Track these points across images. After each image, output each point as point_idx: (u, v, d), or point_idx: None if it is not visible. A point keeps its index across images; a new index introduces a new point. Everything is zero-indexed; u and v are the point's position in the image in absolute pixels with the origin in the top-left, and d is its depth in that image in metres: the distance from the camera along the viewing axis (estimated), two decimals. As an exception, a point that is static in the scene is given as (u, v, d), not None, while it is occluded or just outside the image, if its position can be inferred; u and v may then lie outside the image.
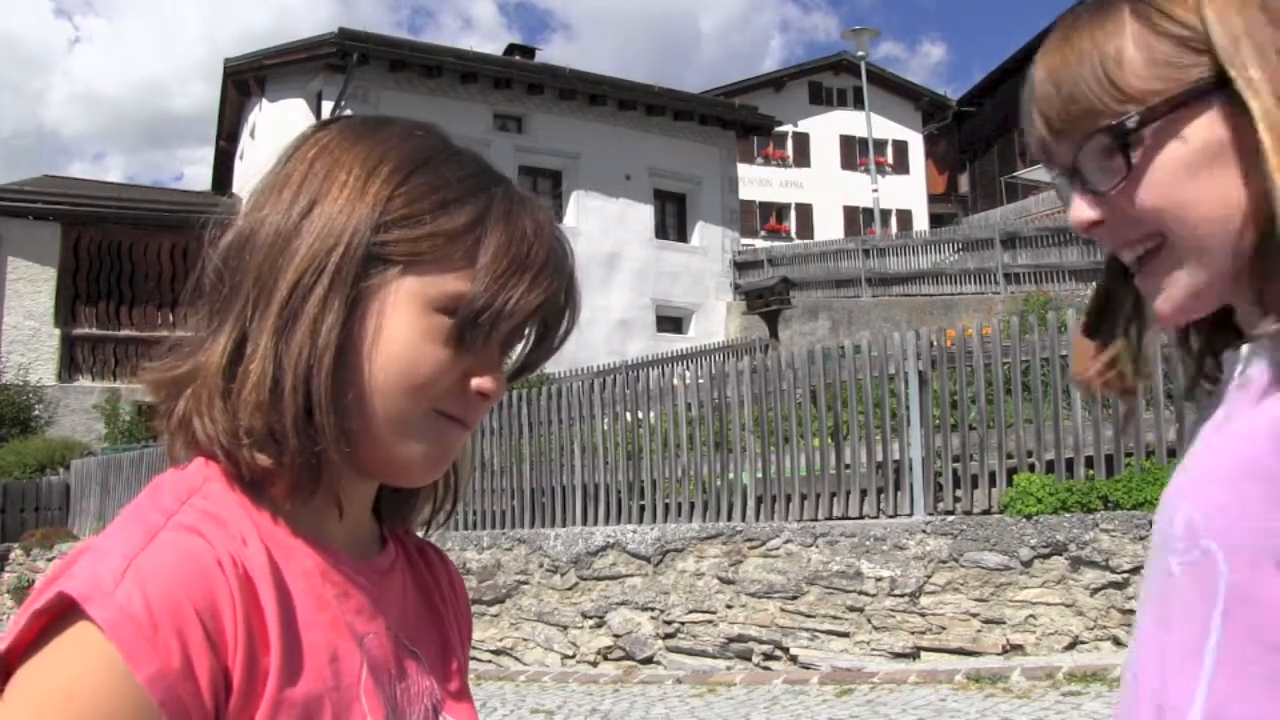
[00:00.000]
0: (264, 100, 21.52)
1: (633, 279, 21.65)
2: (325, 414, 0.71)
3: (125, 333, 19.42)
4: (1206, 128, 0.73)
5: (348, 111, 16.21)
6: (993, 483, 6.69)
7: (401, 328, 0.73)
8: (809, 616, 6.91)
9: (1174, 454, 6.19)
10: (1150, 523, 0.89)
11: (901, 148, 37.11)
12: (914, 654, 6.51)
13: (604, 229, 21.49)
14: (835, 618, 6.81)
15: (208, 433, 0.72)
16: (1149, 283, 0.78)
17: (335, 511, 0.76)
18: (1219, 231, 0.74)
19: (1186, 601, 0.74)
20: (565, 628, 8.04)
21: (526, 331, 0.80)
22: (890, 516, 6.91)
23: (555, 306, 0.80)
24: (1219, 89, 0.72)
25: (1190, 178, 0.74)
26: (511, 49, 25.63)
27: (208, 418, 0.72)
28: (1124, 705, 0.80)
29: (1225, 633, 0.71)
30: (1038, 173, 28.17)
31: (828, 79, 36.82)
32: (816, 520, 7.15)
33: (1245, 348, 0.79)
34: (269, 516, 0.73)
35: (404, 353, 0.73)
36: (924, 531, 6.58)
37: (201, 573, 0.66)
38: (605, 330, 20.87)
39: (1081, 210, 0.78)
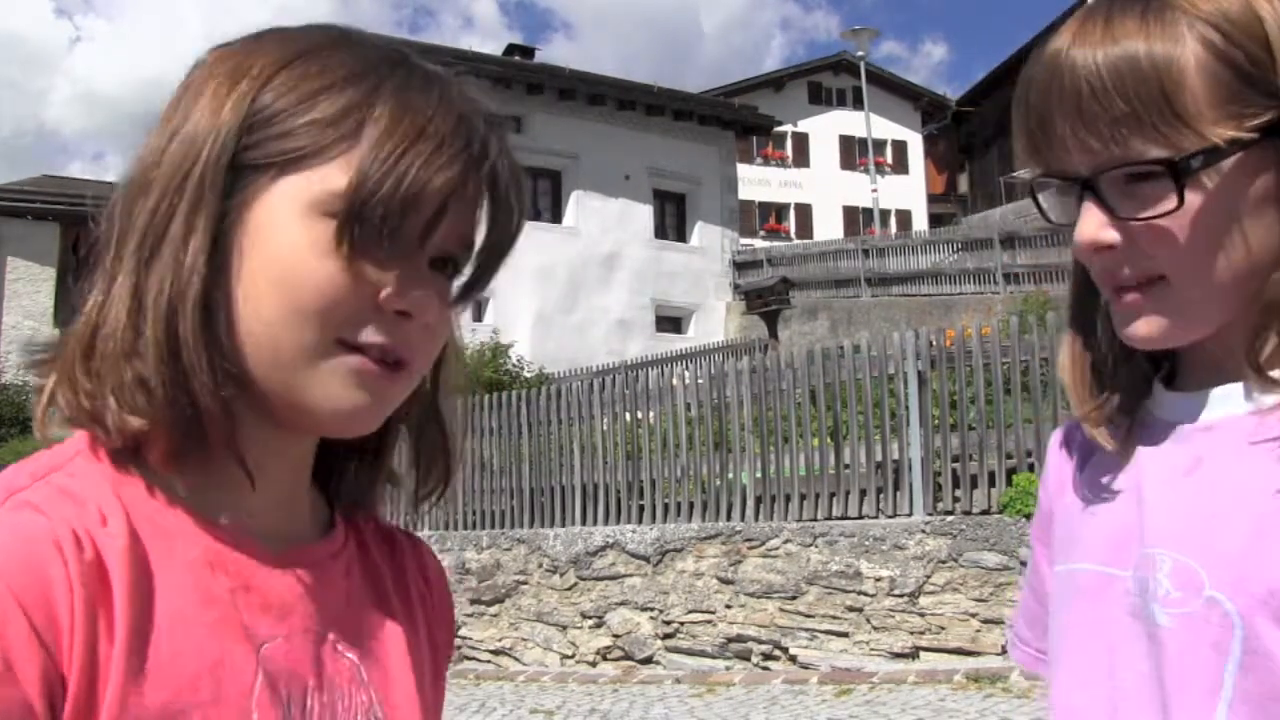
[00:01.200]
0: (263, 100, 21.50)
1: (632, 279, 21.65)
2: (194, 353, 0.60)
3: (124, 332, 19.40)
4: (1263, 178, 0.70)
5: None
6: (992, 483, 6.69)
7: (282, 241, 0.61)
8: (808, 616, 6.91)
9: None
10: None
11: (901, 148, 37.11)
12: (913, 654, 6.52)
13: (603, 229, 21.50)
14: (834, 618, 6.81)
15: (69, 400, 0.62)
16: (1131, 309, 0.74)
17: (247, 487, 0.64)
18: (1229, 281, 0.71)
19: (1184, 655, 0.71)
20: (564, 628, 8.04)
21: (445, 223, 0.64)
22: (889, 516, 6.91)
23: (473, 187, 0.65)
24: (1277, 133, 0.69)
25: (1227, 228, 0.70)
26: (511, 49, 25.63)
27: (69, 384, 0.62)
28: None
29: (1240, 689, 0.68)
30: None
31: (827, 79, 36.82)
32: (816, 520, 7.15)
33: (1215, 392, 0.76)
34: (147, 496, 0.61)
35: (287, 271, 0.61)
36: (923, 531, 6.58)
37: (32, 556, 0.55)
38: (604, 330, 20.88)
39: (1100, 230, 0.72)
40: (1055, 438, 0.92)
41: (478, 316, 19.35)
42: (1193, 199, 0.69)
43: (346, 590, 0.71)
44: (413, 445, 0.75)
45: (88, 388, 0.61)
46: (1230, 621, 0.69)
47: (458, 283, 0.69)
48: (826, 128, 36.48)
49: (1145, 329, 0.74)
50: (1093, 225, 0.72)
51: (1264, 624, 0.67)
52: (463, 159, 0.63)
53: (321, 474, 0.74)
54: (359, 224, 0.61)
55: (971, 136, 36.89)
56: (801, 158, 36.24)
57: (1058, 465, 0.90)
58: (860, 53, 28.44)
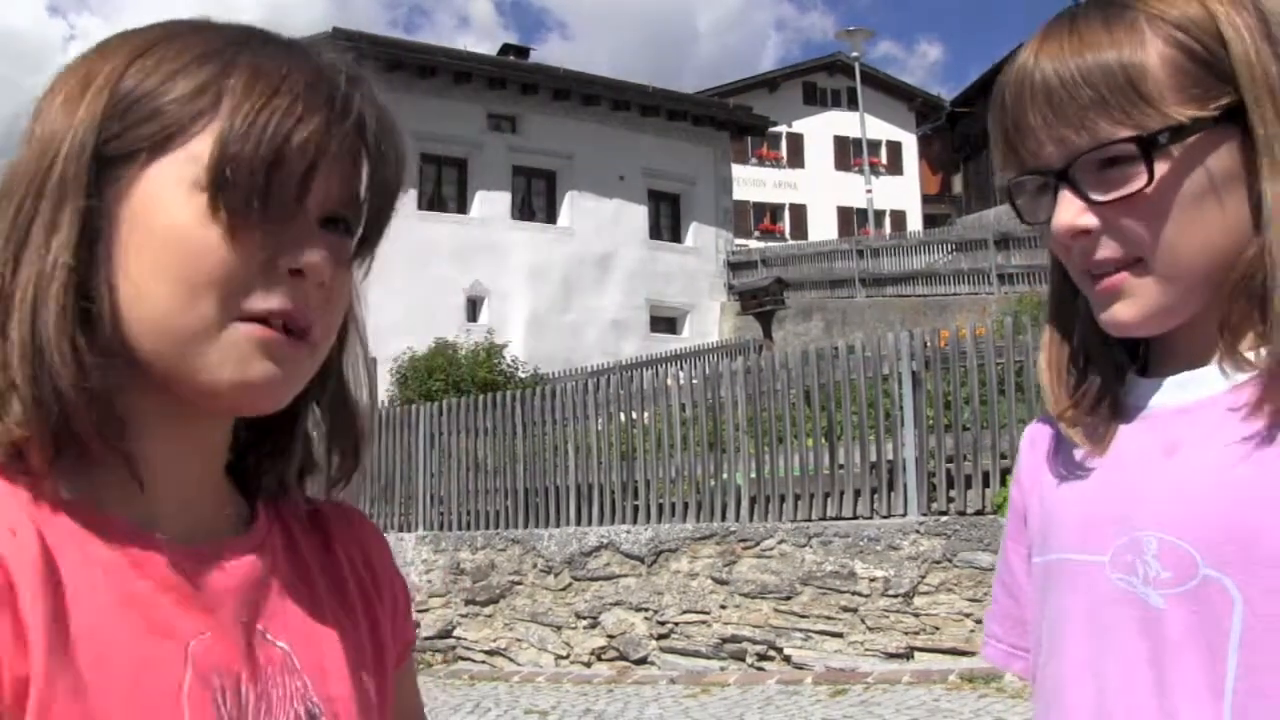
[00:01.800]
0: (258, 100, 21.47)
1: (626, 279, 21.65)
2: (54, 348, 0.59)
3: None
4: (1226, 157, 0.74)
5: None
6: (986, 483, 6.70)
7: (163, 221, 0.61)
8: (803, 617, 6.92)
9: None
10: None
11: (895, 148, 37.15)
12: (908, 654, 6.52)
13: (598, 229, 21.49)
14: (829, 618, 6.82)
15: None
16: (1110, 293, 0.77)
17: (154, 484, 0.64)
18: (1202, 261, 0.75)
19: (1185, 634, 0.73)
20: (559, 628, 8.04)
21: (320, 178, 0.64)
22: (884, 517, 6.92)
23: (337, 139, 0.64)
24: (1236, 119, 0.74)
25: (1196, 205, 0.74)
26: (506, 49, 25.62)
27: None
28: None
29: (1245, 663, 0.70)
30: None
31: (822, 79, 36.86)
32: (810, 521, 7.16)
33: (1188, 375, 0.79)
34: (55, 503, 0.60)
35: (171, 250, 0.61)
36: (918, 532, 6.58)
37: None
38: (599, 331, 20.88)
39: (1077, 215, 0.75)
40: (1026, 435, 0.95)
41: (472, 317, 19.35)
42: (1162, 176, 0.73)
43: (272, 580, 0.70)
44: (323, 427, 0.75)
45: None
46: (1230, 597, 0.71)
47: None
48: (821, 128, 36.52)
49: (1125, 312, 0.77)
50: (1070, 211, 0.76)
51: (1261, 595, 0.70)
52: (322, 112, 0.63)
53: (237, 469, 0.74)
54: (230, 189, 0.60)
55: (966, 137, 36.93)
56: (796, 158, 36.26)
57: (1030, 462, 0.92)
58: (855, 53, 28.48)
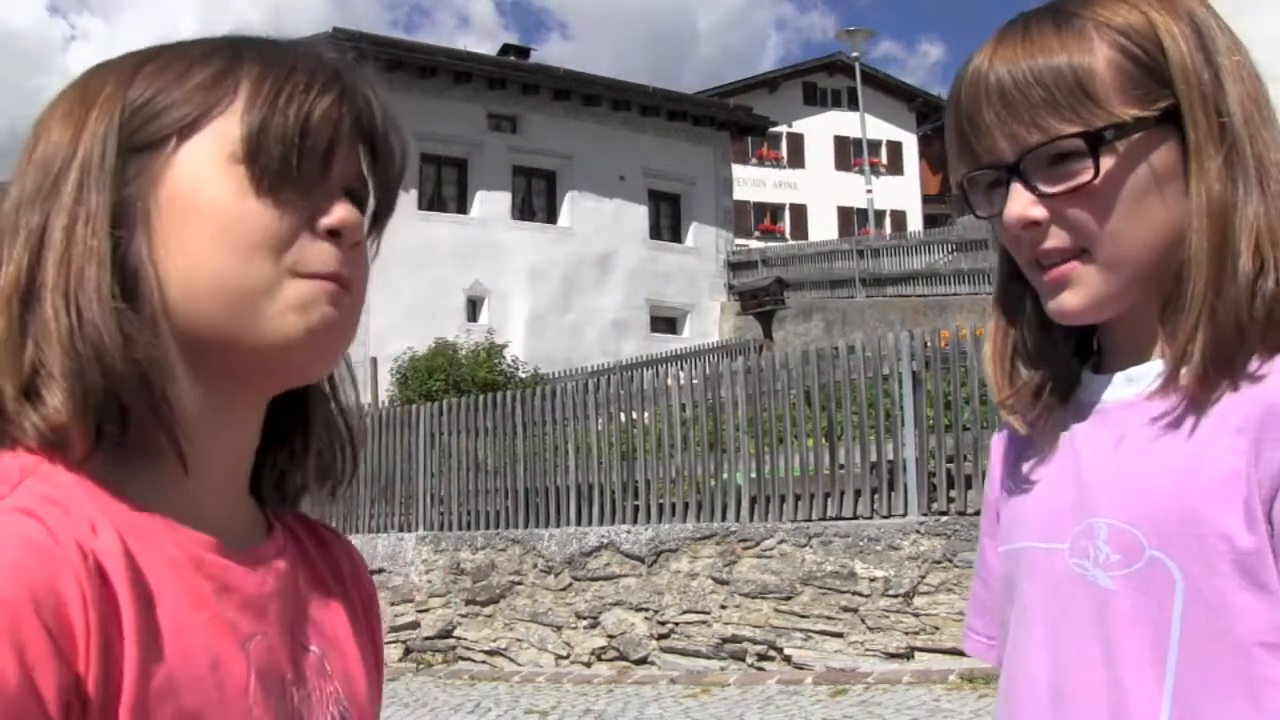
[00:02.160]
0: (258, 100, 21.47)
1: (627, 279, 21.65)
2: (99, 323, 0.60)
3: (118, 332, 19.36)
4: (1166, 155, 0.80)
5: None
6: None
7: (205, 198, 0.64)
8: (803, 617, 6.92)
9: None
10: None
11: (895, 148, 37.16)
12: (908, 654, 6.52)
13: (598, 229, 21.49)
14: (829, 618, 6.82)
15: None
16: (1057, 282, 0.82)
17: (204, 492, 0.65)
18: (1144, 252, 0.81)
19: (1131, 612, 0.78)
20: (559, 628, 8.04)
21: (343, 151, 0.68)
22: (884, 517, 6.92)
23: (353, 116, 0.68)
24: (1176, 121, 0.80)
25: (1138, 199, 0.80)
26: (506, 49, 25.62)
27: None
28: (1071, 715, 0.81)
29: (1186, 638, 0.75)
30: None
31: (822, 79, 36.87)
32: (810, 521, 7.16)
33: (1132, 371, 0.84)
34: (121, 500, 0.60)
35: (222, 221, 0.63)
36: (918, 532, 6.58)
37: (42, 564, 0.53)
38: (599, 331, 20.88)
39: (1028, 207, 0.80)
40: (996, 437, 1.01)
41: (473, 317, 19.35)
42: (1108, 170, 0.79)
43: (296, 585, 0.72)
44: (322, 441, 0.77)
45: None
46: (1171, 576, 0.76)
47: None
48: (821, 128, 36.52)
49: (1071, 300, 0.82)
50: (1021, 203, 0.81)
51: (1200, 573, 0.75)
52: (334, 91, 0.67)
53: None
54: (266, 158, 0.64)
55: (966, 137, 36.86)
56: (796, 158, 36.26)
57: (1002, 459, 0.98)
58: (855, 53, 28.46)
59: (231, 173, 0.64)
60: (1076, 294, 0.81)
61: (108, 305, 0.60)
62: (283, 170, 0.64)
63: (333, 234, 0.66)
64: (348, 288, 0.67)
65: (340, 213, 0.66)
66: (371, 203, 0.72)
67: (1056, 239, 0.80)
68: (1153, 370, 0.83)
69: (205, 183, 0.64)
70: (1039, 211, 0.80)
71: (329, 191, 0.67)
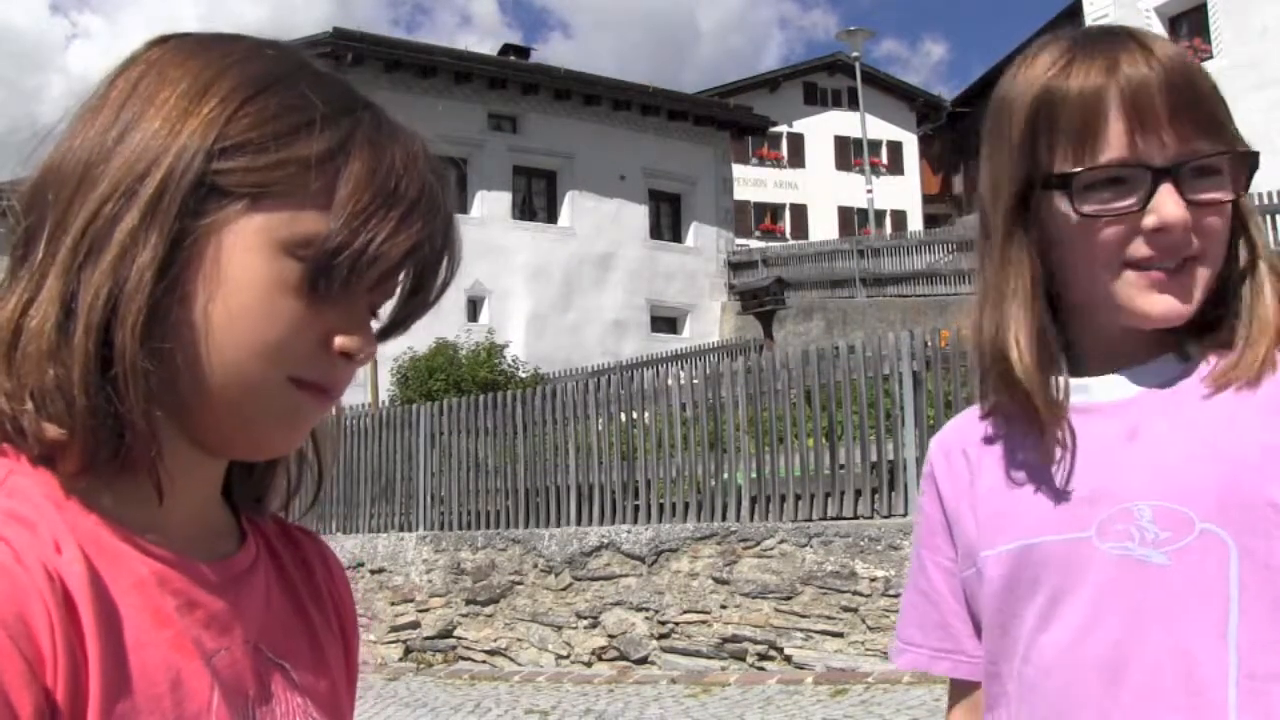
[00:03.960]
0: (258, 100, 21.46)
1: (627, 279, 21.66)
2: (129, 369, 0.58)
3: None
4: None
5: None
6: (987, 483, 6.69)
7: (248, 275, 0.61)
8: (803, 617, 6.92)
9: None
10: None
11: (896, 148, 37.14)
12: (908, 654, 6.51)
13: (598, 229, 21.50)
14: (830, 618, 6.82)
15: None
16: (1158, 286, 0.86)
17: (175, 507, 0.64)
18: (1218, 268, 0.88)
19: (1189, 583, 0.82)
20: (560, 628, 8.04)
21: (399, 280, 0.68)
22: (885, 517, 6.91)
23: (429, 251, 0.67)
24: None
25: (1229, 225, 0.88)
26: (506, 49, 25.63)
27: None
28: (1136, 696, 0.83)
29: (1245, 601, 0.80)
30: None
31: (822, 79, 36.85)
32: (811, 520, 7.16)
33: (1133, 372, 0.90)
34: (89, 516, 0.59)
35: (251, 305, 0.61)
36: (918, 532, 6.58)
37: (8, 588, 0.53)
38: (599, 330, 20.88)
39: (1180, 210, 0.84)
40: (936, 450, 1.04)
41: (473, 317, 19.35)
42: (1236, 192, 0.86)
43: (266, 598, 0.71)
44: (300, 456, 0.77)
45: (7, 388, 0.59)
46: (1226, 545, 0.81)
47: (376, 325, 0.71)
48: (822, 128, 36.49)
49: (1167, 305, 0.86)
50: (1176, 205, 0.84)
51: (1252, 539, 0.80)
52: (425, 229, 0.65)
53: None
54: (324, 272, 0.62)
55: (966, 137, 36.91)
56: (797, 158, 36.25)
57: (952, 472, 1.00)
58: (855, 53, 28.45)
59: (284, 264, 0.62)
60: (1173, 300, 0.85)
61: (138, 351, 0.59)
62: (331, 287, 0.63)
63: (345, 355, 0.65)
64: (333, 400, 0.68)
65: (361, 341, 0.66)
66: (394, 314, 0.71)
67: (1184, 246, 0.85)
68: (1155, 371, 0.89)
69: (255, 261, 0.62)
70: (1187, 215, 0.84)
71: (358, 310, 0.66)
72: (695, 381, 8.25)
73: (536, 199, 21.74)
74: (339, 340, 0.65)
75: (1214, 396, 0.86)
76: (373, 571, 9.19)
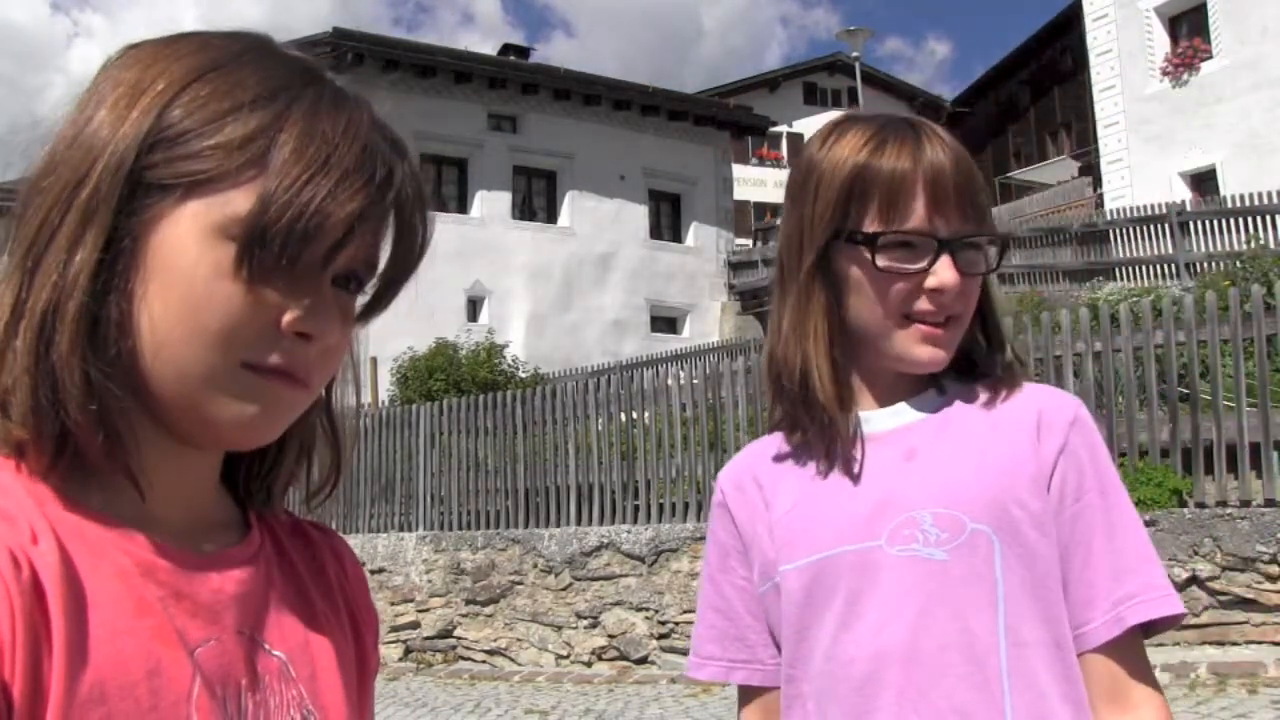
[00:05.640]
0: (258, 100, 21.45)
1: (627, 279, 21.65)
2: (65, 366, 0.59)
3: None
4: None
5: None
6: (987, 483, 6.69)
7: (184, 264, 0.61)
8: (803, 617, 6.91)
9: (1166, 454, 6.23)
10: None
11: (896, 148, 37.09)
12: (908, 654, 6.52)
13: (598, 229, 21.49)
14: (829, 618, 6.81)
15: None
16: (933, 338, 1.05)
17: (154, 494, 0.64)
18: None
19: (965, 574, 1.00)
20: (559, 628, 8.04)
21: (352, 248, 0.65)
22: (884, 517, 6.91)
23: (377, 214, 0.65)
24: None
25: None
26: (506, 49, 25.61)
27: None
28: (929, 671, 1.00)
29: (1007, 584, 1.00)
30: (1032, 173, 28.21)
31: (822, 79, 36.85)
32: (811, 520, 7.15)
33: (906, 404, 1.09)
34: (73, 509, 0.61)
35: (190, 294, 0.61)
36: (918, 532, 6.58)
37: None
38: (599, 330, 20.88)
39: (954, 275, 1.03)
40: (726, 482, 1.16)
41: (473, 317, 19.35)
42: (989, 267, 1.07)
43: (268, 589, 0.71)
44: (307, 451, 0.77)
45: None
46: (991, 541, 1.00)
47: (361, 300, 0.70)
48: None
49: (934, 354, 1.05)
50: (954, 273, 1.03)
51: (1010, 534, 1.00)
52: (366, 191, 0.64)
53: (228, 476, 0.75)
54: (259, 249, 0.61)
55: (965, 137, 36.86)
56: (797, 158, 36.23)
57: (745, 500, 1.13)
58: (855, 53, 28.45)
59: (220, 248, 0.61)
60: (940, 351, 1.05)
61: (76, 349, 0.60)
62: (274, 266, 0.62)
63: (300, 336, 0.64)
64: (304, 385, 0.66)
65: (318, 321, 0.64)
66: (371, 290, 0.70)
67: (951, 305, 1.04)
68: (919, 404, 1.08)
69: (190, 250, 0.61)
70: (958, 280, 1.04)
71: (317, 288, 0.64)
72: (695, 381, 8.25)
73: (536, 199, 21.73)
74: (286, 318, 0.63)
75: (971, 421, 1.06)
76: (373, 571, 9.19)
